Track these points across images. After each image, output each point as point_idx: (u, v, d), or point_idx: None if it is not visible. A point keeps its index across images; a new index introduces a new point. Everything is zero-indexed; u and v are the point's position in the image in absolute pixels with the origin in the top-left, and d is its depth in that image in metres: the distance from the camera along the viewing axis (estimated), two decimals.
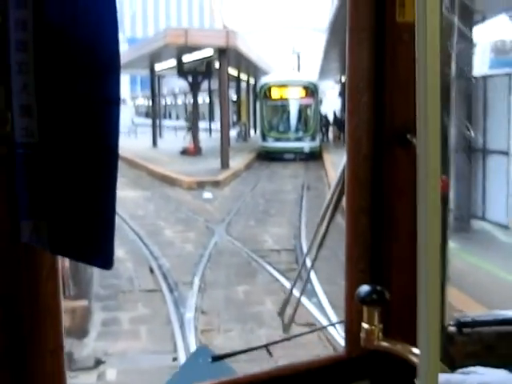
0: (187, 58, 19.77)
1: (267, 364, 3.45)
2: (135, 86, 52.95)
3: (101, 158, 0.72)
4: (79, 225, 0.75)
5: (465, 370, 0.96)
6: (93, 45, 0.70)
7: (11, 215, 0.80)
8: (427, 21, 0.48)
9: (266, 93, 21.73)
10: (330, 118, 28.46)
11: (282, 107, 21.61)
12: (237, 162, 17.95)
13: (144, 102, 52.92)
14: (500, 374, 0.93)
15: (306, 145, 20.75)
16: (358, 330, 1.08)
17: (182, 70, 20.88)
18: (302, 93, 21.60)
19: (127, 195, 11.92)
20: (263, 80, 23.50)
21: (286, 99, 21.53)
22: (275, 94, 21.62)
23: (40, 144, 0.77)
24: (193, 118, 23.69)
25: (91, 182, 0.73)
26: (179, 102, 53.98)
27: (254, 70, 27.30)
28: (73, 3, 0.72)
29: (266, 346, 1.52)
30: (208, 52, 17.82)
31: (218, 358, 1.31)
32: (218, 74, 19.49)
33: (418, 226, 0.52)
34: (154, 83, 26.75)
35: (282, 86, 21.49)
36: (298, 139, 21.02)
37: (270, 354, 3.52)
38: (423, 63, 0.49)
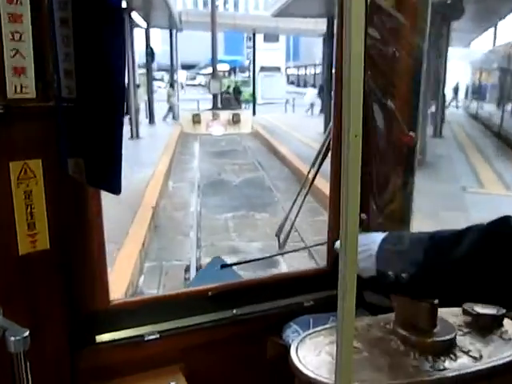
0: None
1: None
2: (289, 55, 51.67)
3: (113, 113, 0.95)
4: (102, 161, 0.99)
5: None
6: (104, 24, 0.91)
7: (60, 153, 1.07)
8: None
9: None
10: None
11: None
12: None
13: (294, 71, 54.29)
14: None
15: None
16: None
17: None
18: None
19: None
20: None
21: None
22: None
23: (77, 99, 1.01)
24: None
25: (107, 132, 0.97)
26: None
27: None
28: None
29: (264, 258, 1.79)
30: None
31: (226, 266, 1.59)
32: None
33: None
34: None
35: None
36: None
37: None
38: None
